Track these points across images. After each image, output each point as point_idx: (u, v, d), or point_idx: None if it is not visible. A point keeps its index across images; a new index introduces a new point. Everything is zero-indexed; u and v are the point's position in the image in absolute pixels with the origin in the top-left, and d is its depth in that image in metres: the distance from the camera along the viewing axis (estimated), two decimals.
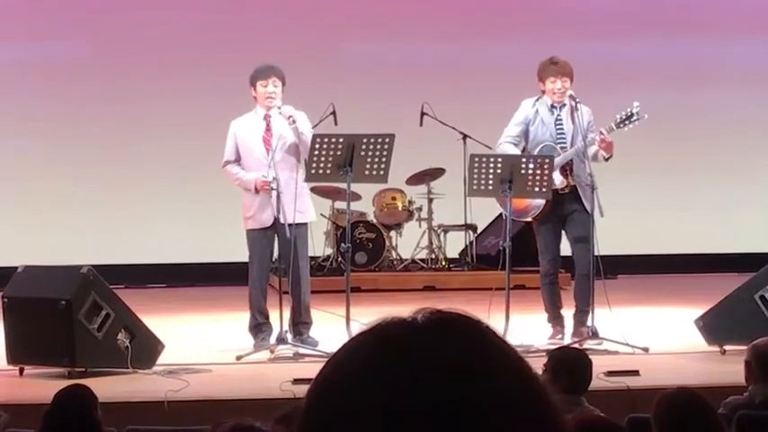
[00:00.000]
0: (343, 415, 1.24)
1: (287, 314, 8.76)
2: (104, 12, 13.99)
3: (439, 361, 1.24)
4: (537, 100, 9.09)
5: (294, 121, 8.68)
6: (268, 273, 9.05)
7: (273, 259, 9.22)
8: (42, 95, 13.88)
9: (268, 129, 8.84)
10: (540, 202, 8.91)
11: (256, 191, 8.74)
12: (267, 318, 8.94)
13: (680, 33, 14.50)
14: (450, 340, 1.26)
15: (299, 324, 8.86)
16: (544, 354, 6.69)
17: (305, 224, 8.93)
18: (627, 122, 8.90)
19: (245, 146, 8.87)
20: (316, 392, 1.28)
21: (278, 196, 8.58)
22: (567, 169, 8.94)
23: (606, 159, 8.90)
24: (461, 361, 1.25)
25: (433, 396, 1.22)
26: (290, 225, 8.59)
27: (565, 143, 8.98)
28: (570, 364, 5.84)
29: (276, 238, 8.85)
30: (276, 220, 8.67)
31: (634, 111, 8.88)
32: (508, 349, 1.30)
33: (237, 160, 8.91)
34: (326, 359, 1.31)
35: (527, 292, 10.62)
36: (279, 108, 8.74)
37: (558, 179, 8.85)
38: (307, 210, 8.95)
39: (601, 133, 8.82)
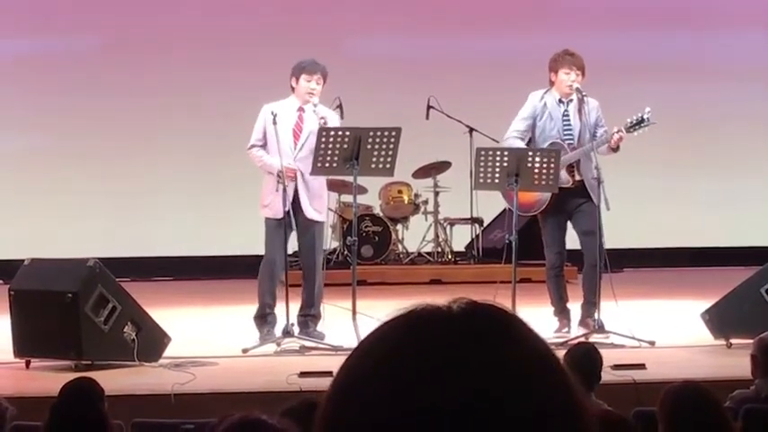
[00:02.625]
0: (370, 407, 1.21)
1: (293, 307, 8.76)
2: (111, 6, 13.99)
3: (473, 353, 1.22)
4: (545, 92, 9.07)
5: (326, 123, 8.72)
6: (282, 263, 8.99)
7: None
8: (48, 89, 13.89)
9: (300, 122, 8.85)
10: (546, 197, 8.90)
11: (279, 176, 8.70)
12: (273, 309, 8.94)
13: (683, 26, 14.48)
14: (485, 332, 1.25)
15: (309, 317, 8.86)
16: (551, 347, 6.68)
17: (322, 222, 8.97)
18: (637, 127, 8.88)
19: (273, 132, 8.85)
20: (342, 382, 1.25)
21: (296, 189, 8.63)
22: (573, 167, 8.93)
23: (614, 150, 8.90)
24: (495, 354, 1.23)
25: (465, 389, 1.20)
26: (308, 220, 8.65)
27: (572, 139, 8.97)
28: (583, 360, 5.84)
29: (292, 230, 8.86)
30: (290, 212, 8.66)
31: (645, 116, 8.86)
32: (540, 343, 1.29)
33: (263, 145, 8.89)
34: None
35: (533, 285, 10.61)
36: (315, 106, 8.76)
37: (564, 177, 8.84)
38: (323, 210, 9.02)
39: (619, 131, 8.79)
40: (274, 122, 8.72)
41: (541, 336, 1.30)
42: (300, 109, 8.87)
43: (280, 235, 8.83)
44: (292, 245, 9.04)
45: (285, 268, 8.82)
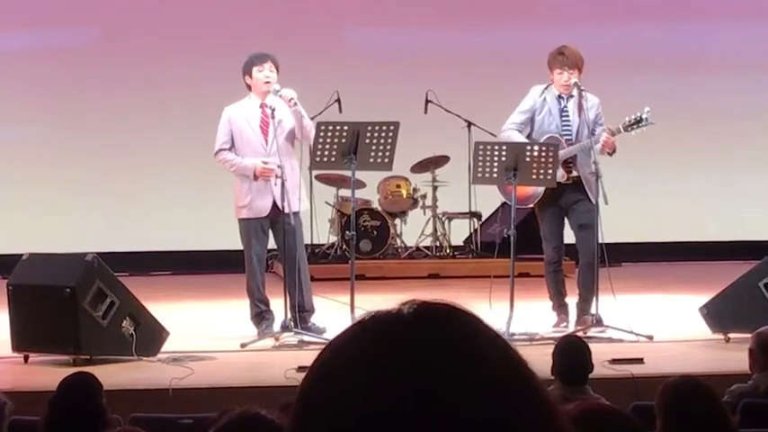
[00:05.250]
0: (329, 416, 1.23)
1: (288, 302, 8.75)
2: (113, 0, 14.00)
3: (425, 355, 1.22)
4: (545, 88, 9.07)
5: (296, 104, 8.64)
6: (264, 262, 9.02)
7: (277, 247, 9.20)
8: (45, 82, 13.87)
9: (265, 117, 8.79)
10: (540, 190, 8.90)
11: (255, 177, 8.70)
12: (268, 305, 8.94)
13: (682, 20, 14.47)
14: (437, 333, 1.25)
15: (304, 312, 8.86)
16: (550, 341, 6.69)
17: (299, 212, 8.92)
18: (635, 126, 8.87)
19: (240, 134, 8.81)
20: (303, 392, 1.28)
21: (282, 184, 8.56)
22: (569, 163, 8.92)
23: (610, 155, 8.90)
24: (448, 353, 1.23)
25: (419, 391, 1.20)
26: (293, 214, 8.60)
27: (570, 136, 8.96)
28: (570, 352, 5.84)
29: (271, 228, 8.81)
30: (277, 208, 8.64)
31: (644, 116, 8.85)
32: (497, 340, 1.28)
33: (230, 148, 8.87)
34: None
35: (532, 279, 10.62)
36: (278, 91, 8.70)
37: (559, 172, 8.83)
38: (304, 197, 8.96)
39: (610, 131, 8.79)
40: (273, 117, 8.70)
41: (499, 332, 1.29)
42: (262, 105, 8.80)
43: (261, 234, 8.79)
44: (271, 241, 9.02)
45: (283, 263, 8.82)
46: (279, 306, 8.83)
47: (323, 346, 1.31)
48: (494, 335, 1.28)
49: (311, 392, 1.27)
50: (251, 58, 8.84)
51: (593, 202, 8.72)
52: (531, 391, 1.26)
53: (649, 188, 14.07)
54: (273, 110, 8.64)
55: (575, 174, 8.92)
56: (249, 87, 8.83)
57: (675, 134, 13.89)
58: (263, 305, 8.91)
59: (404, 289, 11.65)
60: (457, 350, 1.24)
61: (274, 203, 8.68)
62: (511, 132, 9.02)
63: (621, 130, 8.85)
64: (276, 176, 8.61)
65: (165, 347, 8.23)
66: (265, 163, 8.67)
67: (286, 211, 8.57)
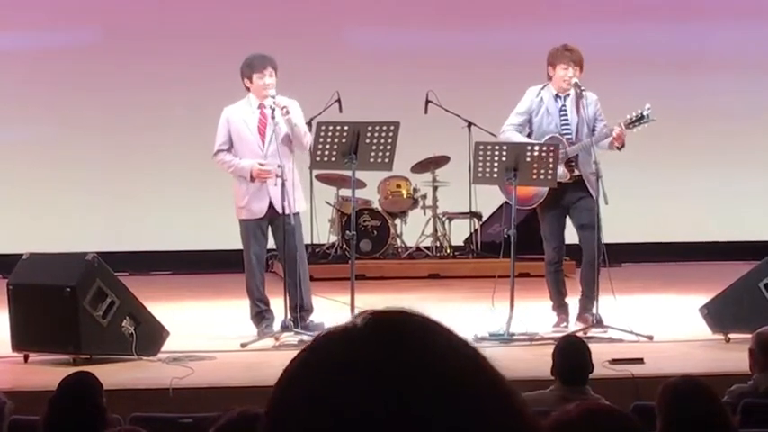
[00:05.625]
0: (296, 428, 1.24)
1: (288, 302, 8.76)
2: None
3: (380, 361, 1.23)
4: (542, 88, 9.06)
5: (288, 113, 8.65)
6: (263, 262, 9.03)
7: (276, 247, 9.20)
8: (45, 82, 13.87)
9: (263, 118, 8.80)
10: (544, 190, 8.90)
11: (252, 179, 8.71)
12: (268, 305, 8.95)
13: (682, 20, 14.47)
14: (390, 339, 1.25)
15: (303, 311, 8.86)
16: (550, 341, 6.69)
17: (298, 213, 8.93)
18: (636, 124, 8.87)
19: (239, 135, 8.82)
20: (271, 408, 1.28)
21: (283, 184, 8.57)
22: (571, 162, 8.92)
23: (619, 149, 8.89)
24: (402, 357, 1.24)
25: (378, 401, 1.21)
26: (293, 214, 8.61)
27: (570, 134, 8.96)
28: (570, 352, 5.84)
29: (270, 228, 8.82)
30: (274, 209, 8.65)
31: (645, 113, 8.85)
32: (458, 342, 1.28)
33: (229, 149, 8.87)
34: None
35: (532, 279, 10.62)
36: (274, 98, 8.70)
37: (562, 171, 8.83)
38: (301, 198, 8.98)
39: (619, 126, 8.79)
40: (273, 117, 8.71)
41: (460, 336, 1.29)
42: (261, 106, 8.80)
43: (260, 235, 8.81)
44: (270, 241, 9.03)
45: (283, 263, 8.83)
46: (279, 306, 8.83)
47: None
48: (449, 335, 1.28)
49: (277, 407, 1.28)
50: (250, 61, 8.81)
51: (595, 199, 8.70)
52: (490, 386, 1.26)
53: (650, 188, 14.07)
54: (274, 110, 8.64)
55: (577, 173, 8.91)
56: (248, 89, 8.84)
57: (676, 134, 13.89)
58: (262, 305, 8.92)
59: (404, 289, 11.65)
60: (410, 353, 1.24)
61: (271, 205, 8.68)
62: (510, 134, 9.01)
63: (623, 127, 8.85)
64: (276, 176, 8.61)
65: (165, 347, 8.23)
66: (262, 165, 8.67)
67: (286, 212, 8.57)
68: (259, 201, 8.72)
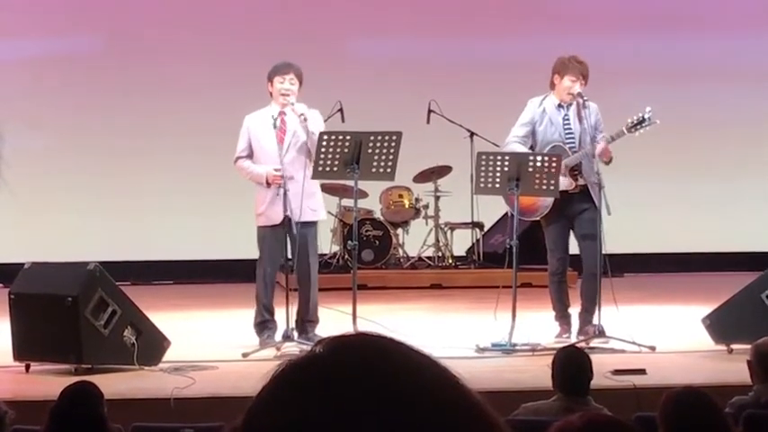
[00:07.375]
0: None
1: (294, 312, 8.76)
2: (117, 3, 14.01)
3: (341, 390, 1.24)
4: (543, 99, 9.05)
5: (305, 120, 8.68)
6: (276, 270, 9.04)
7: (284, 257, 9.19)
8: (49, 91, 13.89)
9: (282, 125, 8.83)
10: (549, 201, 8.88)
11: (268, 184, 8.73)
12: (272, 315, 8.95)
13: (683, 30, 14.48)
14: (352, 362, 1.27)
15: (306, 322, 8.86)
16: (552, 352, 6.68)
17: (315, 222, 8.93)
18: (638, 127, 8.86)
19: (258, 142, 8.86)
20: None
21: (285, 193, 8.57)
22: (575, 171, 8.91)
23: (606, 163, 8.87)
24: (364, 386, 1.24)
25: (343, 425, 1.22)
26: (302, 223, 8.62)
27: (574, 143, 8.95)
28: (570, 363, 5.83)
29: (287, 236, 8.84)
30: (286, 217, 8.66)
31: (646, 116, 8.84)
32: (417, 359, 1.29)
33: (249, 156, 8.90)
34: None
35: (534, 289, 10.61)
36: (292, 105, 8.72)
37: (567, 181, 8.82)
38: (319, 208, 8.96)
39: (606, 139, 8.78)
40: (275, 126, 8.73)
41: (423, 353, 1.29)
42: (281, 113, 8.83)
43: (275, 242, 8.82)
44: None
45: (287, 272, 8.82)
46: (281, 315, 8.82)
47: None
48: (410, 354, 1.29)
49: None
50: (275, 67, 8.87)
51: (599, 210, 8.69)
52: (457, 399, 1.26)
53: (652, 199, 14.07)
54: (303, 114, 8.66)
55: (581, 182, 8.90)
56: (271, 95, 8.87)
57: (677, 145, 13.89)
58: (267, 314, 8.92)
59: (406, 299, 11.65)
60: (371, 375, 1.25)
61: (285, 212, 8.69)
62: (514, 145, 9.01)
63: (625, 131, 8.84)
64: (279, 186, 8.62)
65: (166, 357, 8.22)
66: (277, 170, 8.69)
67: (295, 220, 8.58)
68: (275, 206, 8.72)
